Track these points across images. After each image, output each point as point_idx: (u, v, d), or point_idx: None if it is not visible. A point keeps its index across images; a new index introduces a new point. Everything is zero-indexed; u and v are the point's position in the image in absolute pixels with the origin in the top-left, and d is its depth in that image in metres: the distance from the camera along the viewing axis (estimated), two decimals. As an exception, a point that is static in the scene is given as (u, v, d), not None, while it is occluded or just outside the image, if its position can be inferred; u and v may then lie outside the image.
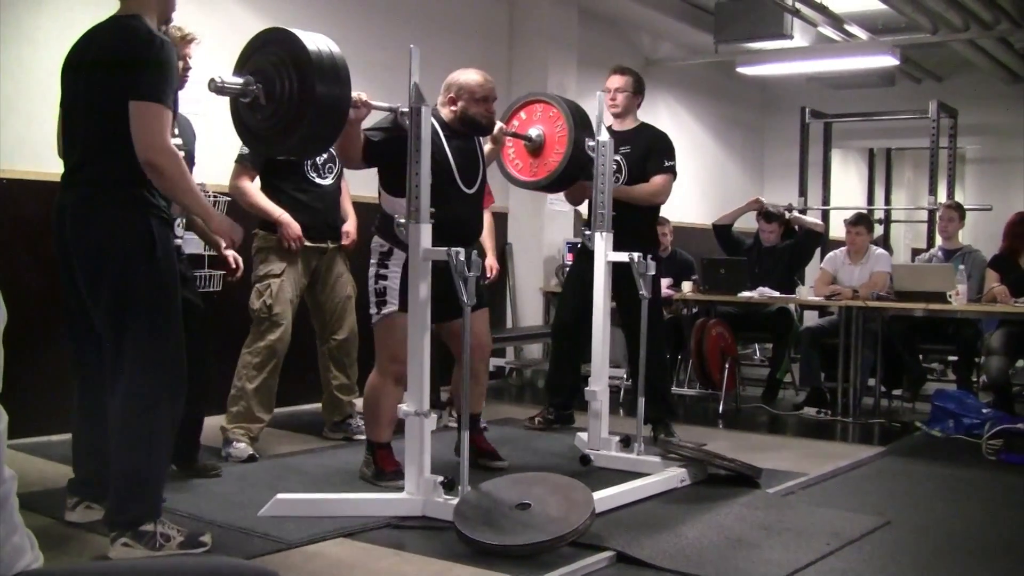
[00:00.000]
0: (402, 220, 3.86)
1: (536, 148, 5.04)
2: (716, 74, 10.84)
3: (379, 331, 4.27)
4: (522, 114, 5.14)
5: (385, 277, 4.20)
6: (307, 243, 4.81)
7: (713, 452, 4.64)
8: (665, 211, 7.93)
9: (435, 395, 5.57)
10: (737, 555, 3.49)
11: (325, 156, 4.81)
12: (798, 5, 8.29)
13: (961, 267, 6.51)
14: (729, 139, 11.62)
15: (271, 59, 3.53)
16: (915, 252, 10.53)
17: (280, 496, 3.83)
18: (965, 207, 7.67)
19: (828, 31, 8.97)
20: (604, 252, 4.86)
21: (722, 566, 3.37)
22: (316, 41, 3.53)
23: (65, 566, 2.58)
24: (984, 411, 5.88)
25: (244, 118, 3.64)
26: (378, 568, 3.31)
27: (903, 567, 3.46)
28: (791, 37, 8.79)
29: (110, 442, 3.31)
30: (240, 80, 3.52)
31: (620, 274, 4.92)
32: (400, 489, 3.93)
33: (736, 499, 4.21)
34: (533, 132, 5.03)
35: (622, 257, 4.78)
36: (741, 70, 9.82)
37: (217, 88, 3.49)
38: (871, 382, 6.80)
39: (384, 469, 4.28)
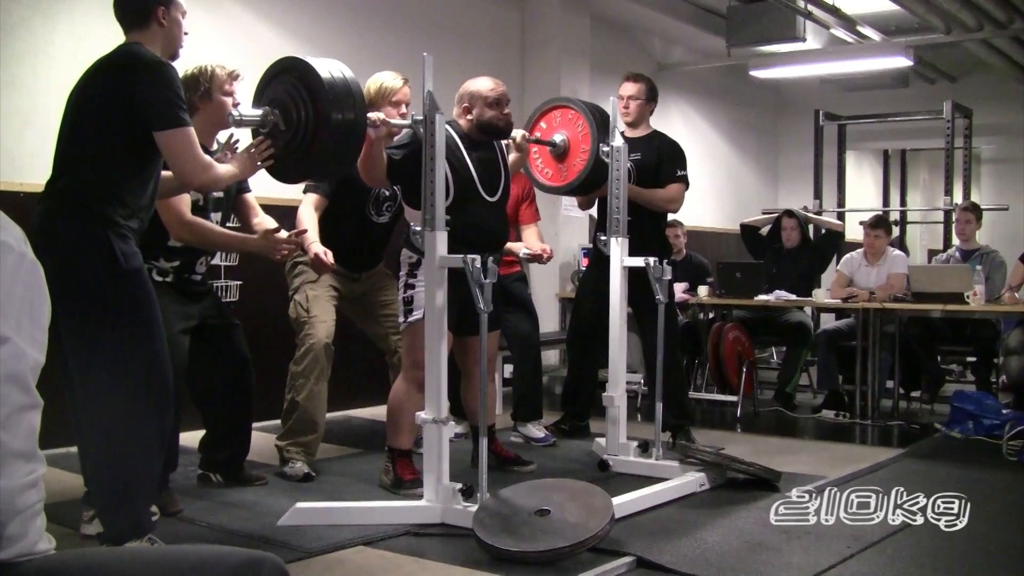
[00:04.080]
0: (418, 228, 3.87)
1: (561, 153, 5.08)
2: (729, 78, 10.82)
3: (406, 338, 4.30)
4: (543, 123, 5.19)
5: (413, 287, 4.24)
6: (338, 268, 4.72)
7: (731, 456, 4.63)
8: (679, 215, 7.96)
9: (456, 403, 5.57)
10: (757, 559, 3.48)
11: (388, 193, 4.78)
12: (810, 7, 8.28)
13: (978, 267, 6.48)
14: (743, 143, 11.60)
15: (286, 88, 3.63)
16: (931, 253, 10.50)
17: (299, 505, 3.84)
18: (982, 207, 7.64)
19: (840, 33, 8.95)
20: (620, 257, 4.85)
21: (743, 570, 3.35)
22: (329, 67, 3.59)
23: (75, 551, 2.62)
24: (1004, 412, 5.85)
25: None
26: (398, 576, 3.31)
27: (924, 570, 3.44)
28: (803, 39, 8.76)
29: (86, 458, 3.34)
30: (259, 112, 3.64)
31: (635, 279, 4.91)
32: (419, 497, 3.93)
33: (755, 503, 4.20)
34: (557, 137, 5.07)
35: (638, 262, 4.78)
36: (754, 73, 9.81)
37: (236, 122, 3.62)
38: (889, 384, 6.78)
39: (403, 478, 4.28)
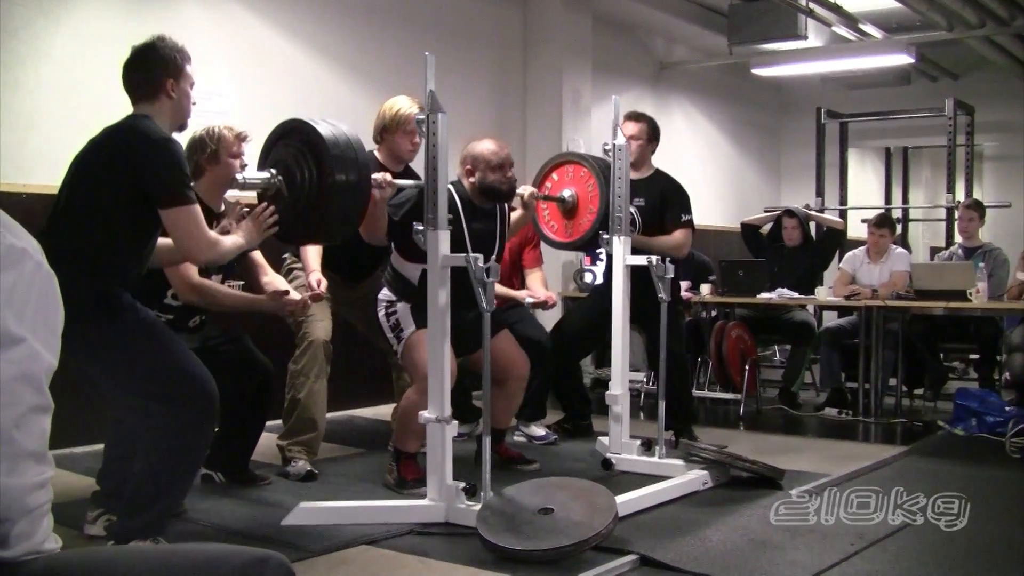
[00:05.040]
0: (420, 227, 3.88)
1: (569, 209, 5.12)
2: (731, 76, 10.82)
3: (407, 355, 4.32)
4: (554, 175, 5.23)
5: (395, 313, 4.34)
6: (334, 276, 4.74)
7: (735, 454, 4.63)
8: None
9: (469, 403, 5.58)
10: (761, 557, 3.48)
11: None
12: (812, 5, 8.27)
13: (981, 265, 6.48)
14: (745, 141, 11.60)
15: (291, 150, 3.65)
16: (934, 250, 10.49)
17: (303, 504, 3.84)
18: (984, 205, 7.63)
19: (842, 31, 8.94)
20: (622, 256, 4.85)
21: (746, 568, 3.36)
22: (332, 129, 3.61)
23: (81, 549, 2.65)
24: (1007, 409, 5.85)
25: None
26: (402, 575, 3.31)
27: (929, 567, 3.43)
28: (805, 37, 8.76)
29: (113, 458, 3.43)
30: (264, 175, 3.65)
31: (638, 280, 4.91)
32: (422, 496, 3.93)
33: (759, 501, 4.20)
34: (566, 193, 5.12)
35: (640, 261, 4.79)
36: (756, 72, 9.80)
37: (241, 186, 3.63)
38: (892, 382, 6.77)
39: (405, 477, 4.29)
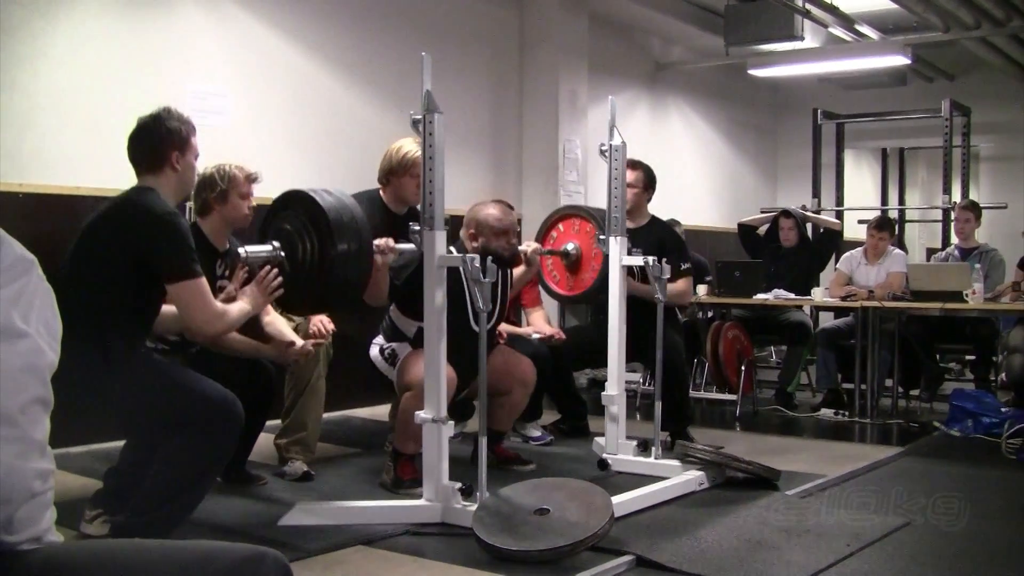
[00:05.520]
0: (417, 227, 3.88)
1: (573, 263, 5.12)
2: (727, 77, 10.83)
3: (403, 372, 4.33)
4: (560, 227, 5.23)
5: (390, 347, 4.44)
6: None
7: (731, 455, 4.63)
8: (677, 214, 7.98)
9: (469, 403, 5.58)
10: (757, 558, 3.48)
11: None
12: (808, 6, 8.28)
13: (977, 266, 6.48)
14: (741, 141, 11.61)
15: (291, 222, 3.65)
16: (930, 251, 10.50)
17: (300, 505, 3.85)
18: (980, 206, 7.64)
19: (839, 31, 8.95)
20: (619, 256, 4.86)
21: (742, 569, 3.36)
22: (331, 200, 3.62)
23: (82, 542, 2.72)
24: (1003, 410, 5.86)
25: None
26: (398, 575, 3.31)
27: (925, 568, 3.44)
28: (802, 38, 8.76)
29: (135, 462, 3.46)
30: (266, 248, 3.64)
31: (635, 314, 4.98)
32: (418, 496, 3.93)
33: (755, 502, 4.20)
34: (569, 246, 5.12)
35: (637, 261, 4.79)
36: (752, 72, 9.81)
37: (244, 261, 3.61)
38: (888, 383, 6.78)
39: (402, 477, 4.29)
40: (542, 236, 5.23)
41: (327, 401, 4.70)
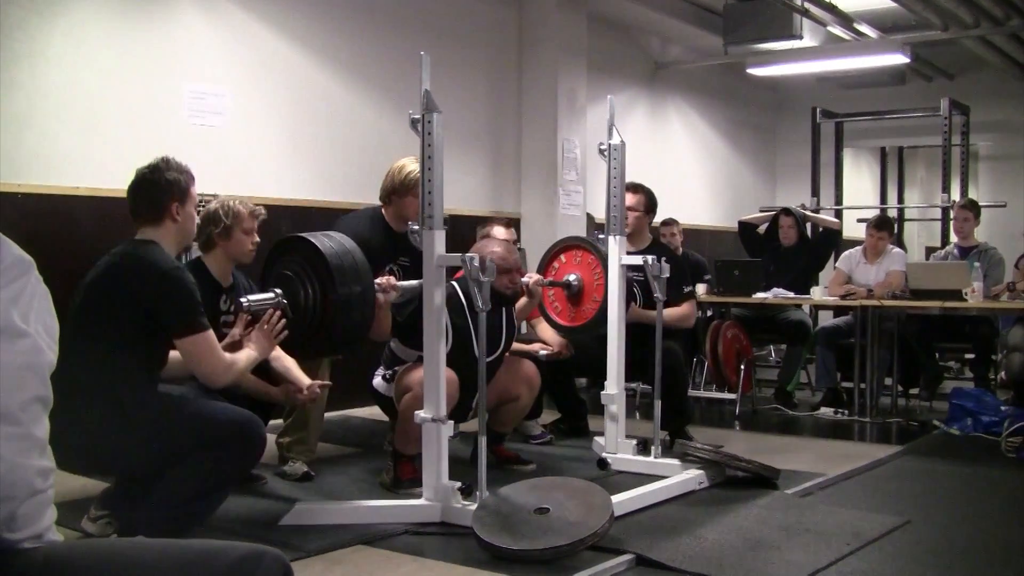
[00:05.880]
0: (416, 227, 3.89)
1: (575, 294, 5.13)
2: (726, 76, 10.83)
3: (401, 377, 4.33)
4: (562, 257, 5.24)
5: (392, 371, 4.46)
6: None
7: (730, 454, 4.63)
8: (676, 213, 7.98)
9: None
10: (757, 557, 3.48)
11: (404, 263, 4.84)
12: (807, 5, 8.27)
13: (976, 264, 6.48)
14: (740, 141, 11.61)
15: (291, 268, 3.67)
16: (929, 250, 10.51)
17: (300, 504, 3.85)
18: (979, 204, 7.64)
19: (838, 30, 8.95)
20: (618, 255, 4.86)
21: (742, 568, 3.36)
22: (330, 244, 3.63)
23: (82, 541, 2.72)
24: (1002, 409, 5.86)
25: None
26: (398, 575, 3.31)
27: (925, 567, 3.44)
28: (801, 37, 8.76)
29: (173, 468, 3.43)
30: (268, 296, 3.64)
31: (637, 338, 4.98)
32: (418, 496, 3.93)
33: (755, 501, 4.20)
34: (571, 278, 5.13)
35: (636, 260, 4.79)
36: (751, 71, 9.81)
37: (246, 310, 3.62)
38: (888, 381, 6.78)
39: (402, 477, 4.29)
40: (544, 267, 5.25)
41: (327, 401, 4.70)
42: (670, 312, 5.34)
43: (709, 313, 7.39)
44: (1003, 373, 6.82)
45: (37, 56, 5.08)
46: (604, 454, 4.85)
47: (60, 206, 5.09)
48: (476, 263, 3.71)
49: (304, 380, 4.14)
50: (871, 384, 6.54)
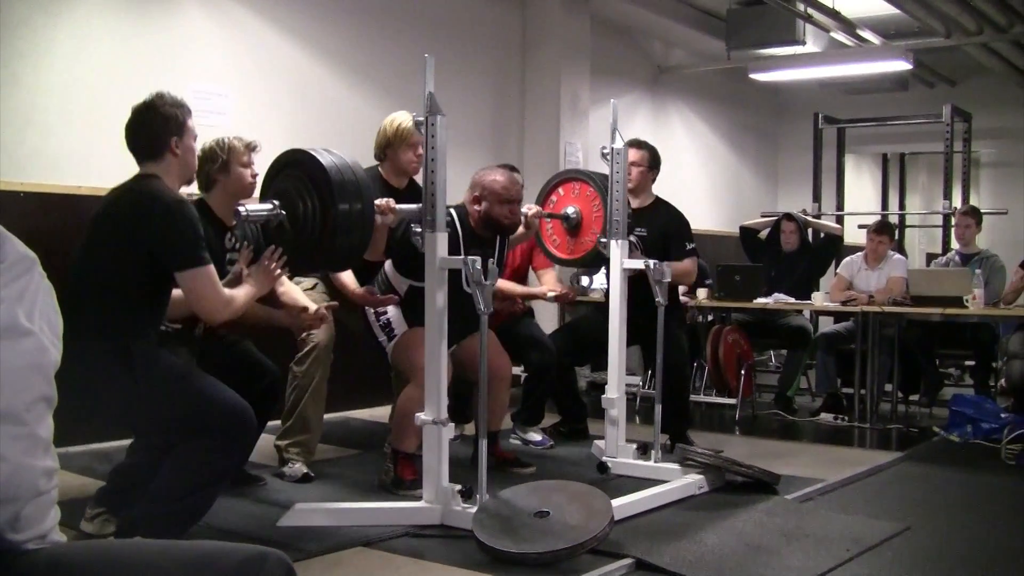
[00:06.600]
0: (418, 228, 3.88)
1: (573, 227, 5.12)
2: (728, 81, 10.83)
3: (398, 354, 4.34)
4: (560, 190, 5.22)
5: (385, 313, 4.39)
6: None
7: (730, 459, 4.63)
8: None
9: (462, 410, 5.58)
10: (757, 561, 3.48)
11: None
12: (810, 11, 8.28)
13: (978, 271, 6.48)
14: (742, 145, 11.61)
15: (292, 182, 3.62)
16: (930, 257, 10.51)
17: (299, 506, 3.84)
18: (981, 211, 7.64)
19: (840, 36, 8.96)
20: (620, 260, 4.85)
21: (742, 573, 3.36)
22: (333, 159, 3.59)
23: (84, 542, 2.72)
24: (1002, 415, 5.86)
25: (273, 240, 3.71)
26: (397, 577, 3.31)
27: (924, 573, 3.44)
28: (803, 43, 8.77)
29: (144, 464, 3.45)
30: (266, 207, 3.62)
31: (638, 311, 4.94)
32: (418, 498, 3.93)
33: (755, 506, 4.20)
34: (570, 210, 5.12)
35: (638, 264, 4.78)
36: (753, 76, 9.80)
37: (244, 218, 3.63)
38: (888, 387, 6.78)
39: (403, 478, 4.29)
40: (543, 199, 5.21)
41: (326, 402, 4.70)
42: (672, 267, 5.35)
43: (710, 318, 7.38)
44: (1003, 380, 6.82)
45: (40, 54, 5.08)
46: (604, 458, 4.84)
47: (62, 204, 5.08)
48: (477, 265, 3.70)
49: (311, 304, 4.16)
50: (871, 390, 6.54)
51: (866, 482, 4.89)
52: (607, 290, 5.22)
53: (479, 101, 7.76)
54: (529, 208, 4.83)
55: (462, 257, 3.77)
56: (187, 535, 3.43)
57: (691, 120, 10.65)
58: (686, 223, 5.62)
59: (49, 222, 5.00)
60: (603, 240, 4.96)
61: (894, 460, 5.39)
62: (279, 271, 3.56)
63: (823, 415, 6.71)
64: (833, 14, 8.39)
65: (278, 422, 4.69)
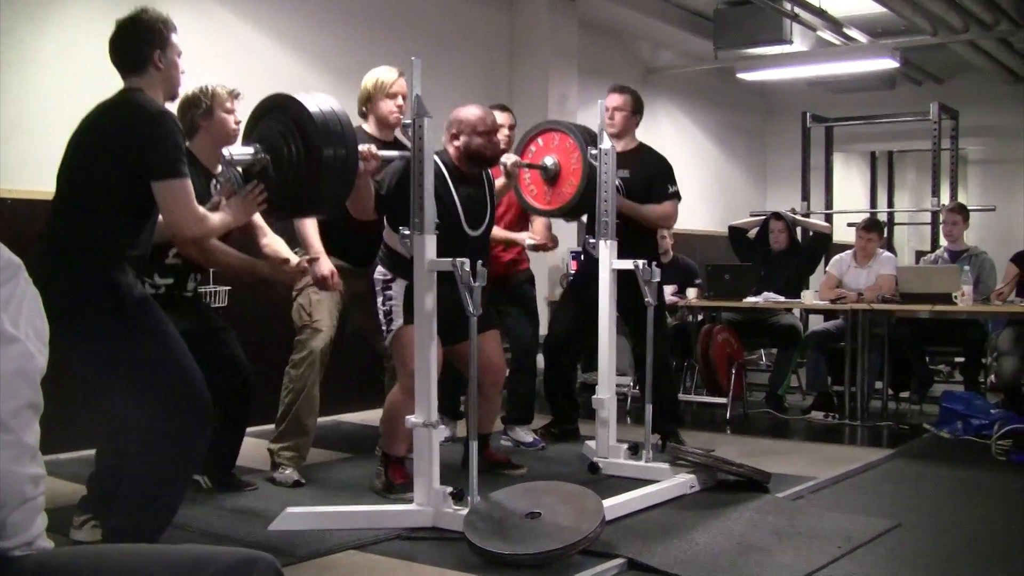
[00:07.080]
0: (407, 232, 3.86)
1: (552, 177, 5.10)
2: (716, 81, 10.85)
3: (394, 349, 4.30)
4: (539, 140, 5.19)
5: (390, 298, 4.28)
6: (343, 263, 4.70)
7: (721, 458, 4.63)
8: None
9: (454, 406, 5.58)
10: (749, 560, 3.48)
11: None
12: (797, 10, 8.30)
13: (966, 268, 6.50)
14: (731, 145, 11.63)
15: (276, 126, 3.59)
16: (919, 254, 10.54)
17: (290, 509, 3.83)
18: (968, 208, 7.66)
19: (827, 35, 8.98)
20: (608, 260, 4.86)
21: (733, 572, 3.36)
22: (318, 102, 3.55)
23: (72, 548, 2.74)
24: (992, 412, 5.88)
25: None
26: (389, 580, 3.31)
27: (916, 569, 3.45)
28: (791, 42, 8.79)
29: (106, 464, 3.44)
30: (249, 150, 3.58)
31: (624, 282, 4.91)
32: (409, 501, 3.93)
33: (746, 504, 4.20)
34: (548, 161, 5.09)
35: (627, 265, 4.78)
36: (741, 76, 9.83)
37: (228, 162, 3.59)
38: (878, 385, 6.79)
39: (393, 481, 4.29)
40: (521, 149, 5.19)
41: (319, 407, 4.68)
42: (653, 208, 5.41)
43: (700, 317, 7.39)
44: (993, 376, 6.84)
45: (28, 61, 5.07)
46: (595, 458, 4.84)
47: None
48: (467, 267, 3.70)
49: (293, 256, 4.15)
50: (862, 388, 6.55)
51: (857, 479, 4.90)
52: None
53: (467, 101, 7.71)
54: (508, 157, 4.81)
55: (451, 260, 3.75)
56: (177, 539, 3.43)
57: (679, 120, 10.66)
58: (668, 166, 5.59)
59: (36, 229, 4.95)
60: (591, 240, 4.96)
61: (885, 457, 5.40)
62: (258, 205, 3.54)
63: (814, 413, 6.72)
64: (820, 13, 8.42)
65: (271, 426, 4.68)
